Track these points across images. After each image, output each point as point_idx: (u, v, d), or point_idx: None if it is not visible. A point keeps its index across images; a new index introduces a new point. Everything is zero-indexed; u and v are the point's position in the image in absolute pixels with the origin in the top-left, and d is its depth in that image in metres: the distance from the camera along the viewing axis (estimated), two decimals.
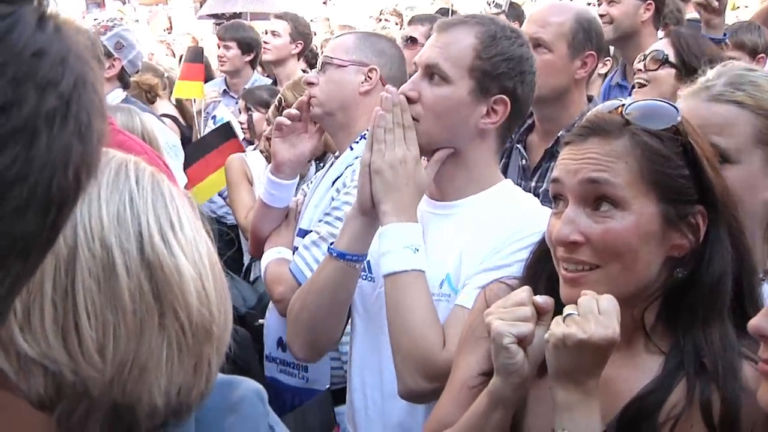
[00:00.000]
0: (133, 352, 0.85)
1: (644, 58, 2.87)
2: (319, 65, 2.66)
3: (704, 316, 1.34)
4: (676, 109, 1.38)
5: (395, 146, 1.86)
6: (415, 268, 1.81)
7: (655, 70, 2.67)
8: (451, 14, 5.01)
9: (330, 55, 2.62)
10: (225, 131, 4.41)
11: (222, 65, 5.62)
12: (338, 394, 2.42)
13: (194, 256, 0.89)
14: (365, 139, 2.54)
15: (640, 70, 2.87)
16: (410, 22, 4.64)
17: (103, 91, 0.62)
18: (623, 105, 1.38)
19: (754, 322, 1.11)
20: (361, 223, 1.92)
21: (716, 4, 3.00)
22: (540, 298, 1.35)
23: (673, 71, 2.64)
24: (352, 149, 2.56)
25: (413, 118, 1.88)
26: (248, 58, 5.53)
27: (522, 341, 1.32)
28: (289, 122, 2.63)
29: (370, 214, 1.90)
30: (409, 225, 1.83)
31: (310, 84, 2.60)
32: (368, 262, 2.00)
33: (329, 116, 2.58)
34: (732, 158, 1.59)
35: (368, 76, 2.57)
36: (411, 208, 1.86)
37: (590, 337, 1.24)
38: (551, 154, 2.57)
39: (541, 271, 1.43)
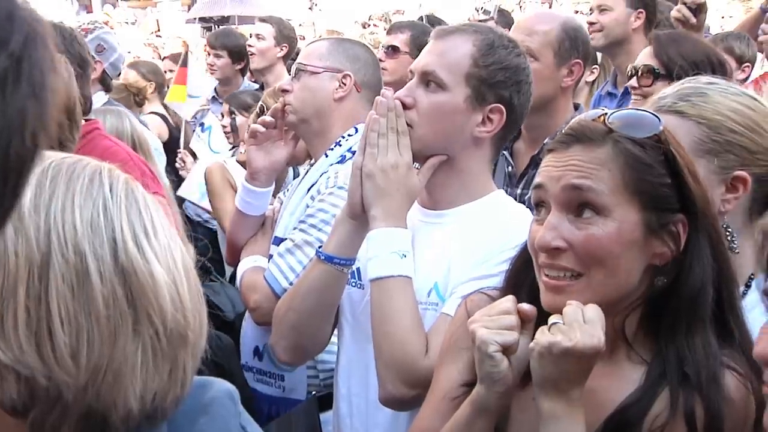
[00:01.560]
0: (107, 357, 0.84)
1: (636, 72, 2.86)
2: (293, 72, 2.65)
3: (686, 325, 1.34)
4: (658, 118, 1.39)
5: (388, 151, 1.85)
6: (402, 273, 1.80)
7: (650, 85, 2.67)
8: (426, 20, 5.01)
9: (303, 61, 2.61)
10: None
11: (212, 73, 5.60)
12: (323, 401, 2.41)
13: (168, 262, 0.89)
14: (340, 146, 2.55)
15: (634, 87, 2.86)
16: (389, 31, 4.59)
17: (54, 45, 0.59)
18: (606, 114, 1.39)
19: (759, 350, 1.10)
20: (350, 227, 1.91)
21: (694, 20, 3.00)
22: (524, 306, 1.35)
23: (667, 82, 2.65)
24: (327, 156, 2.55)
25: (407, 124, 1.88)
26: (239, 66, 5.52)
27: (507, 350, 1.32)
28: (263, 129, 2.62)
29: (359, 218, 1.89)
30: (397, 230, 1.83)
31: (285, 91, 2.59)
32: (358, 269, 1.99)
33: (304, 123, 2.57)
34: None
35: (342, 83, 2.56)
36: (401, 213, 1.85)
37: (575, 345, 1.24)
38: (537, 162, 2.57)
39: (523, 280, 1.43)
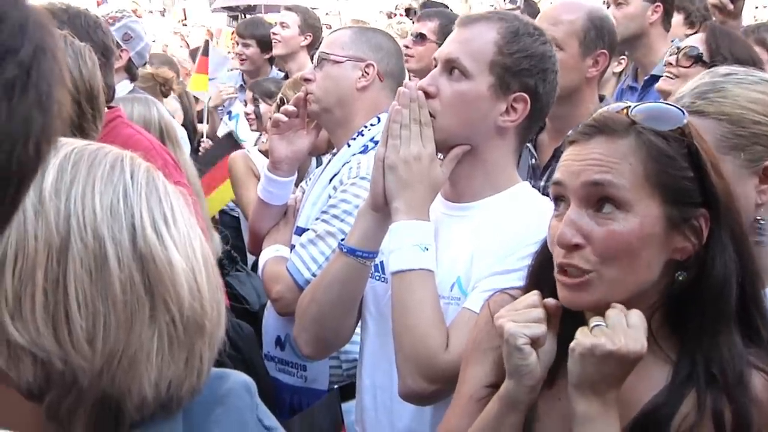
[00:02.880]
0: (123, 342, 0.85)
1: (677, 51, 2.83)
2: (315, 61, 2.64)
3: (711, 323, 1.32)
4: (683, 111, 1.37)
5: (410, 143, 1.83)
6: (423, 267, 1.78)
7: (688, 67, 2.64)
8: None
9: (326, 50, 2.60)
10: (228, 142, 4.41)
11: (242, 63, 5.61)
12: (345, 390, 2.41)
13: (187, 250, 0.89)
14: (362, 135, 2.53)
15: (671, 63, 2.83)
16: (419, 19, 4.60)
17: (64, 60, 0.60)
18: (629, 107, 1.37)
19: None
20: (372, 219, 1.90)
21: (731, 7, 2.95)
22: (550, 301, 1.34)
23: (703, 70, 2.62)
24: (349, 146, 2.54)
25: (430, 114, 1.86)
26: (267, 56, 5.53)
27: (535, 343, 1.32)
28: (286, 119, 2.62)
29: (382, 210, 1.87)
30: (419, 223, 1.81)
31: (307, 80, 2.58)
32: (381, 262, 1.98)
33: (326, 113, 2.56)
34: None
35: (365, 72, 2.55)
36: (424, 206, 1.83)
37: (619, 349, 1.23)
38: (560, 154, 2.55)
39: (546, 277, 1.41)
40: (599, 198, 1.32)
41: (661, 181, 1.31)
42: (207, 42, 5.46)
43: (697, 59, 2.64)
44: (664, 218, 1.31)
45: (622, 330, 1.25)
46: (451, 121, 1.86)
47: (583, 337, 1.27)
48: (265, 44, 5.45)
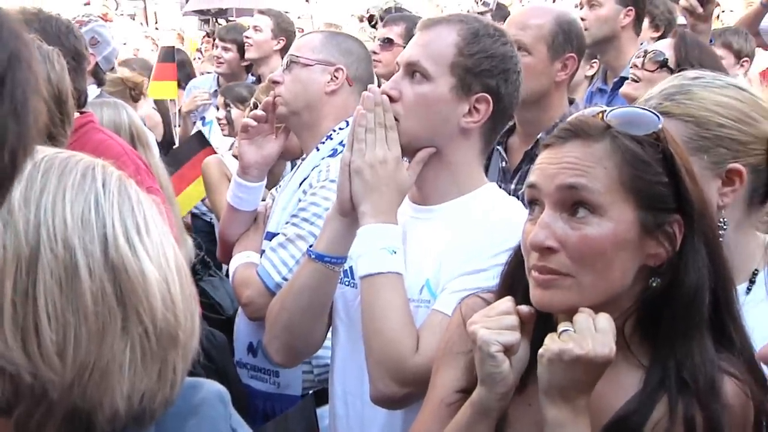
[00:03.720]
0: (95, 355, 0.84)
1: (644, 54, 2.86)
2: (284, 64, 2.63)
3: (684, 329, 1.32)
4: (657, 116, 1.37)
5: (376, 146, 1.83)
6: (391, 270, 1.78)
7: (652, 71, 2.66)
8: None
9: (296, 53, 2.60)
10: (198, 141, 4.39)
11: (219, 66, 5.59)
12: (319, 395, 2.40)
13: (160, 260, 0.88)
14: (331, 139, 2.53)
15: (636, 66, 2.86)
16: (385, 24, 4.61)
17: (38, 69, 0.60)
18: (604, 111, 1.37)
19: (763, 352, 1.09)
20: (340, 224, 1.90)
21: (701, 10, 2.98)
22: (524, 308, 1.34)
23: (667, 76, 2.65)
24: (318, 150, 2.54)
25: (394, 118, 1.86)
26: (245, 63, 5.52)
27: (508, 350, 1.31)
28: (255, 123, 2.61)
29: (349, 215, 1.87)
30: (387, 226, 1.81)
31: (276, 83, 2.58)
32: (350, 268, 1.96)
33: (295, 116, 2.56)
34: None
35: (334, 76, 2.55)
36: (391, 209, 1.84)
37: (587, 354, 1.23)
38: (531, 157, 2.57)
39: (519, 281, 1.41)
40: (574, 202, 1.32)
41: (635, 186, 1.31)
42: (173, 48, 5.37)
43: (662, 64, 2.66)
44: (638, 223, 1.32)
45: (590, 334, 1.25)
46: (414, 123, 1.87)
47: (551, 343, 1.26)
48: (244, 51, 5.44)
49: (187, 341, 0.90)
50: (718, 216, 1.57)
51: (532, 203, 1.38)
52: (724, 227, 1.57)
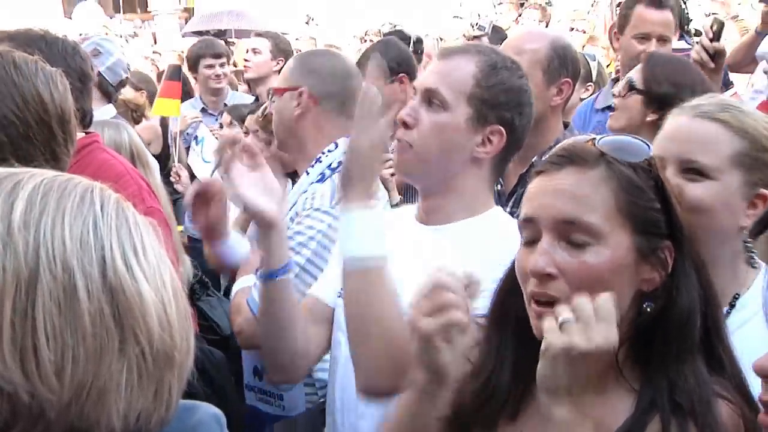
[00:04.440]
0: (92, 375, 0.85)
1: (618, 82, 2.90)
2: (270, 96, 2.72)
3: (676, 352, 1.33)
4: (647, 144, 1.39)
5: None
6: (381, 254, 1.73)
7: (623, 96, 2.70)
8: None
9: (276, 84, 2.68)
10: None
11: (219, 82, 5.63)
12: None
13: (157, 282, 0.90)
14: (320, 162, 2.53)
15: (614, 95, 2.89)
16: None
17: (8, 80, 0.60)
18: (594, 138, 1.38)
19: (759, 362, 1.09)
20: (270, 237, 1.83)
21: (712, 65, 3.03)
22: (465, 277, 1.33)
23: (640, 98, 2.66)
24: (308, 174, 2.57)
25: (408, 144, 1.89)
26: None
27: (448, 335, 1.30)
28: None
29: (272, 225, 1.81)
30: (371, 212, 1.75)
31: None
32: None
33: (283, 145, 2.65)
34: (710, 174, 1.63)
35: (299, 100, 2.58)
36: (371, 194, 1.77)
37: (597, 348, 1.18)
38: (525, 180, 2.58)
39: (510, 309, 1.40)
40: (572, 230, 1.32)
41: (631, 212, 1.33)
42: (178, 67, 5.42)
43: (630, 87, 2.70)
44: (634, 249, 1.33)
45: (594, 324, 1.20)
46: (428, 151, 1.89)
47: (553, 337, 1.20)
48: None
49: (183, 361, 0.92)
50: (741, 237, 1.60)
51: (526, 230, 1.38)
52: (753, 250, 1.60)
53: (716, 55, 2.98)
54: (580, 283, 1.29)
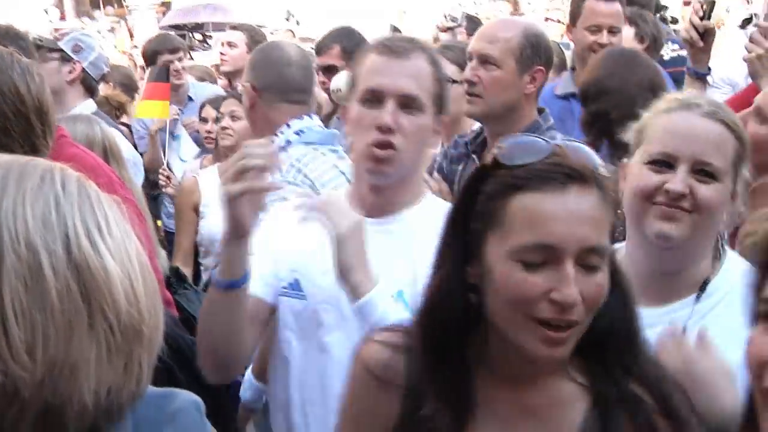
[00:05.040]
0: (63, 351, 0.86)
1: None
2: None
3: (620, 342, 1.34)
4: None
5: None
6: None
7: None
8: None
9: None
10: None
11: (179, 78, 5.55)
12: None
13: (122, 257, 0.91)
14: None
15: None
16: (322, 51, 4.14)
17: None
18: (560, 146, 1.32)
19: (753, 350, 1.10)
20: (239, 246, 1.80)
21: (701, 44, 3.06)
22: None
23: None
24: None
25: (393, 148, 1.87)
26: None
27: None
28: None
29: (246, 236, 1.79)
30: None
31: None
32: (297, 280, 1.96)
33: (251, 136, 2.77)
34: (719, 177, 1.65)
35: (247, 94, 2.76)
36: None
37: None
38: None
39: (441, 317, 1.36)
40: (591, 254, 1.28)
41: (612, 231, 1.32)
42: (165, 68, 5.20)
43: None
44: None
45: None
46: (412, 153, 1.92)
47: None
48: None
49: (152, 336, 0.93)
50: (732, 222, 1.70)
51: (535, 253, 1.26)
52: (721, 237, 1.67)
53: (706, 34, 3.02)
54: (594, 305, 1.27)
